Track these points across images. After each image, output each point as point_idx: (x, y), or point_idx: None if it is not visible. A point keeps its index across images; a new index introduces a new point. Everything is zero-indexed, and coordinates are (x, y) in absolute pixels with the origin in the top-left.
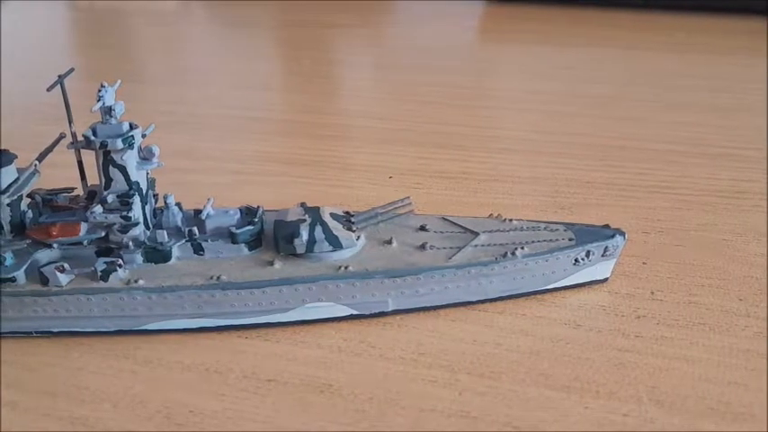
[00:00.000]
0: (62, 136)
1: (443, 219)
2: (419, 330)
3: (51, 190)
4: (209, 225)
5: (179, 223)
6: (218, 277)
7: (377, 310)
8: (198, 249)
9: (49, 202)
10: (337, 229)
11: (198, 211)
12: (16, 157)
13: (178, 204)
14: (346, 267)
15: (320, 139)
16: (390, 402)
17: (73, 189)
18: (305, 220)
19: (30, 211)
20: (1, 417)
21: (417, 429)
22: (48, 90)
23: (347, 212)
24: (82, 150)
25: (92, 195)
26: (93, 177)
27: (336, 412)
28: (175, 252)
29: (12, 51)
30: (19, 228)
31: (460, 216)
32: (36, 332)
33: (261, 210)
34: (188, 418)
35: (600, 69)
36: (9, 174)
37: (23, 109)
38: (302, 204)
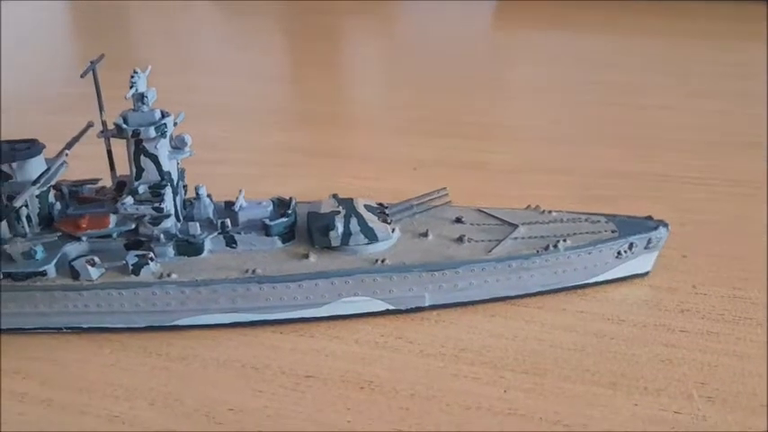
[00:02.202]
0: (90, 125)
1: (479, 210)
2: (458, 326)
3: (76, 181)
4: (242, 217)
5: (210, 215)
6: (254, 271)
7: (413, 305)
8: (230, 242)
9: (74, 194)
10: (372, 221)
11: (229, 203)
12: (45, 147)
13: (209, 196)
14: (383, 261)
15: (340, 129)
16: (434, 400)
17: (98, 180)
18: (339, 212)
19: (57, 202)
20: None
21: (464, 428)
22: (81, 77)
23: (381, 204)
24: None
25: (120, 186)
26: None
27: (379, 410)
28: (207, 245)
29: (14, 42)
30: (47, 220)
31: (496, 207)
32: (66, 328)
33: (294, 201)
34: (227, 417)
35: (619, 56)
36: (38, 164)
37: (29, 99)
38: (334, 196)
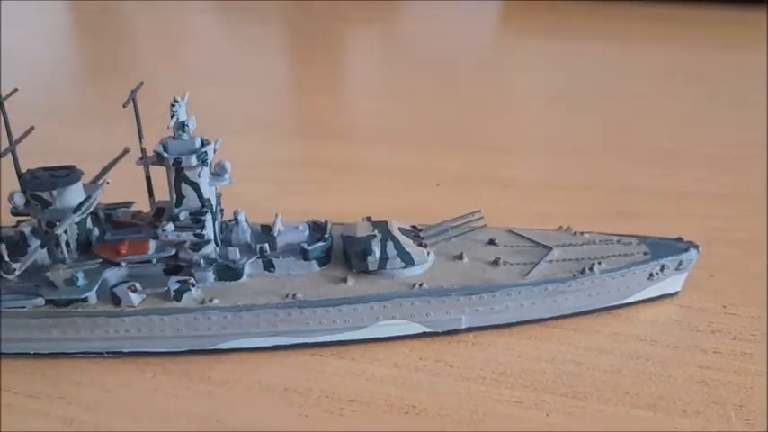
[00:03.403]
0: (126, 151)
1: (511, 232)
2: (495, 348)
3: (110, 204)
4: (281, 242)
5: (248, 240)
6: (294, 295)
7: (450, 328)
8: (269, 266)
9: (108, 218)
10: (408, 245)
11: (265, 227)
12: (83, 173)
13: (245, 220)
14: (420, 285)
15: (355, 142)
16: (478, 424)
17: (132, 203)
18: (375, 236)
19: (95, 228)
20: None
21: None
22: (123, 107)
23: (415, 227)
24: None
25: (159, 212)
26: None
27: None
28: (246, 269)
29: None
30: (85, 245)
31: (526, 228)
32: (107, 352)
33: (330, 225)
34: None
35: (634, 64)
36: (77, 190)
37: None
38: (368, 219)
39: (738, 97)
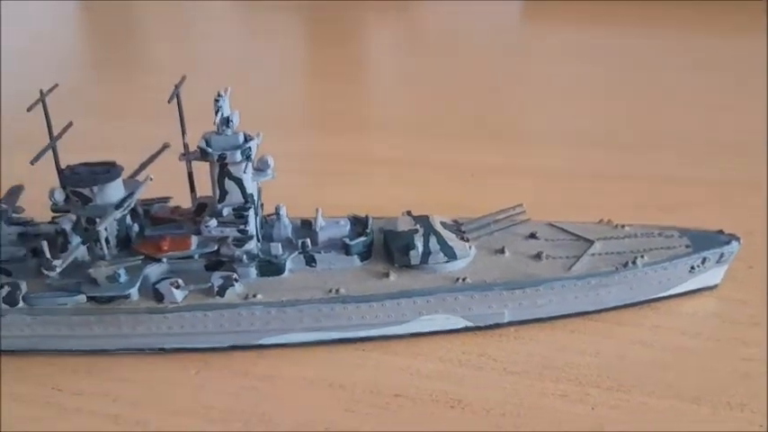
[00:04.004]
0: (166, 146)
1: (551, 225)
2: (538, 342)
3: (147, 200)
4: (322, 236)
5: (290, 235)
6: (337, 290)
7: (492, 322)
8: (310, 261)
9: (146, 213)
10: (451, 239)
11: (305, 221)
12: (123, 169)
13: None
14: (464, 279)
15: (386, 133)
16: (525, 418)
17: (169, 198)
18: (417, 231)
19: (135, 224)
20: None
21: None
22: (168, 102)
23: (455, 221)
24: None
25: (201, 208)
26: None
27: (473, 429)
28: (288, 264)
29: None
30: (124, 242)
31: (566, 221)
32: (149, 349)
33: (371, 220)
34: None
35: (661, 53)
36: (117, 187)
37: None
38: (408, 213)
39: None
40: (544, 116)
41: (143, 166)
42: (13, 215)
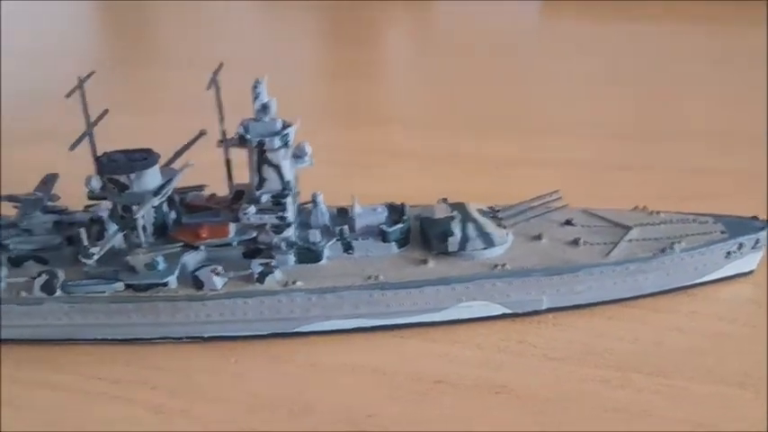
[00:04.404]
0: (202, 133)
1: (587, 212)
2: (577, 329)
3: (181, 188)
4: (359, 224)
5: (327, 222)
6: (376, 277)
7: (530, 309)
8: (348, 248)
9: (182, 202)
10: (488, 226)
11: (341, 209)
12: (160, 156)
13: None
14: (503, 266)
15: (408, 127)
16: (570, 403)
17: (203, 187)
18: (454, 218)
19: (172, 212)
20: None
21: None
22: (207, 89)
23: (492, 208)
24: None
25: (238, 195)
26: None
27: (519, 415)
28: (326, 252)
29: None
30: (161, 229)
31: (601, 208)
32: (187, 337)
33: (407, 207)
34: (369, 423)
35: (681, 47)
36: (154, 174)
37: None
38: (444, 200)
39: None
40: (565, 109)
41: (178, 154)
42: (49, 203)
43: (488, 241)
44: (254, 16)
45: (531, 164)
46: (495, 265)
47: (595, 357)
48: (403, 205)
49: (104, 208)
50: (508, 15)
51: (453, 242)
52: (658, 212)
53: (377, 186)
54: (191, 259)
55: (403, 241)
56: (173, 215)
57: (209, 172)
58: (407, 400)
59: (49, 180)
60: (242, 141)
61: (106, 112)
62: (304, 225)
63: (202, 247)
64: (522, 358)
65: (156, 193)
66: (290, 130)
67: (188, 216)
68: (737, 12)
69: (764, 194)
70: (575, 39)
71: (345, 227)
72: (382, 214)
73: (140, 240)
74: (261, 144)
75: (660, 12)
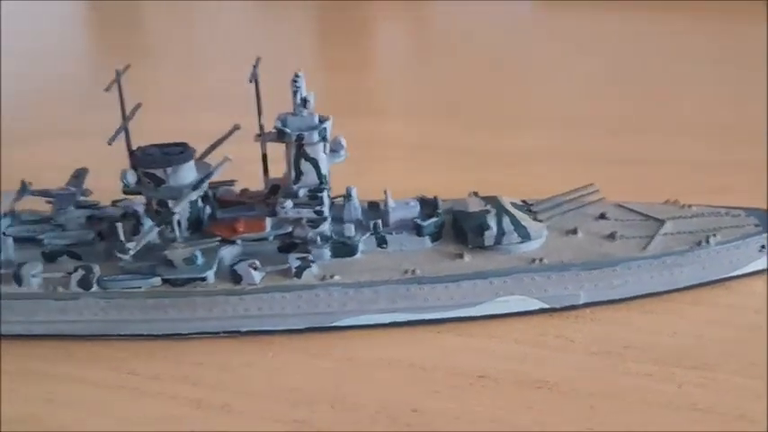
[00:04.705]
0: (237, 128)
1: (619, 205)
2: (614, 323)
3: (211, 183)
4: (393, 217)
5: (360, 216)
6: (413, 271)
7: (567, 304)
8: (381, 242)
9: (214, 196)
10: (524, 219)
11: (372, 203)
12: (195, 150)
13: None
14: (541, 260)
15: (430, 120)
16: (614, 398)
17: (234, 181)
18: (489, 211)
19: (207, 206)
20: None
21: (654, 426)
22: (250, 81)
23: (525, 201)
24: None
25: (274, 189)
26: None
27: (563, 410)
28: (360, 246)
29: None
30: (195, 224)
31: (632, 202)
32: (224, 332)
33: (440, 201)
34: (413, 419)
35: (683, 42)
36: (189, 168)
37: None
38: (475, 193)
39: None
40: (570, 102)
41: (212, 148)
42: (81, 198)
43: (524, 235)
44: (249, 15)
45: (547, 157)
46: (533, 260)
47: (635, 352)
48: (435, 199)
49: (138, 203)
50: (502, 14)
51: (489, 236)
52: (690, 206)
53: (388, 179)
54: (227, 254)
55: (437, 235)
56: (207, 210)
57: (238, 166)
58: (450, 396)
59: (80, 174)
60: (281, 136)
61: (139, 105)
62: (336, 219)
63: (238, 242)
64: (562, 353)
65: (195, 187)
66: (328, 124)
67: (222, 210)
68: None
69: None
70: (573, 35)
71: (379, 221)
72: (415, 208)
73: (175, 235)
74: (300, 138)
75: (660, 6)
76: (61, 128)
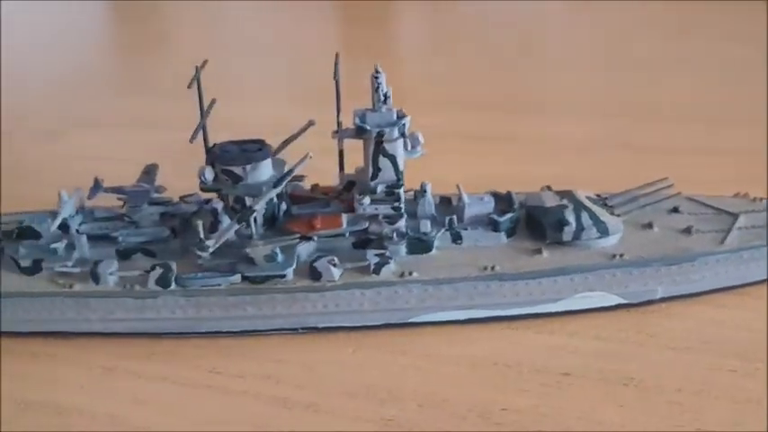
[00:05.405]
0: (311, 123)
1: (690, 199)
2: (691, 318)
3: None
4: (468, 213)
5: (434, 212)
6: (493, 267)
7: (645, 299)
8: (456, 238)
9: (286, 193)
10: (603, 214)
11: (443, 198)
12: (272, 147)
13: None
14: (621, 255)
15: (476, 110)
16: (701, 394)
17: (303, 178)
18: (567, 206)
19: (283, 203)
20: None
21: (744, 423)
22: (334, 79)
23: (599, 195)
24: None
25: (349, 185)
26: None
27: (652, 407)
28: (435, 242)
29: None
30: (270, 221)
31: (702, 195)
32: (302, 328)
33: (515, 196)
34: (504, 417)
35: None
36: (267, 166)
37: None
38: (548, 187)
39: None
40: (632, 91)
41: (286, 143)
42: (155, 195)
43: (603, 230)
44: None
45: (603, 147)
46: (613, 255)
47: (716, 346)
48: (509, 194)
49: (217, 200)
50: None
51: (569, 231)
52: (761, 199)
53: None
54: (303, 250)
55: (511, 231)
56: (283, 206)
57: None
58: (538, 394)
59: (150, 171)
60: (360, 132)
61: (214, 101)
62: (410, 215)
63: (315, 238)
64: (644, 348)
65: (276, 184)
66: (407, 120)
67: (296, 207)
68: None
69: None
70: (597, 23)
71: (454, 216)
72: (489, 203)
73: (251, 232)
74: (380, 135)
75: None
76: (86, 120)
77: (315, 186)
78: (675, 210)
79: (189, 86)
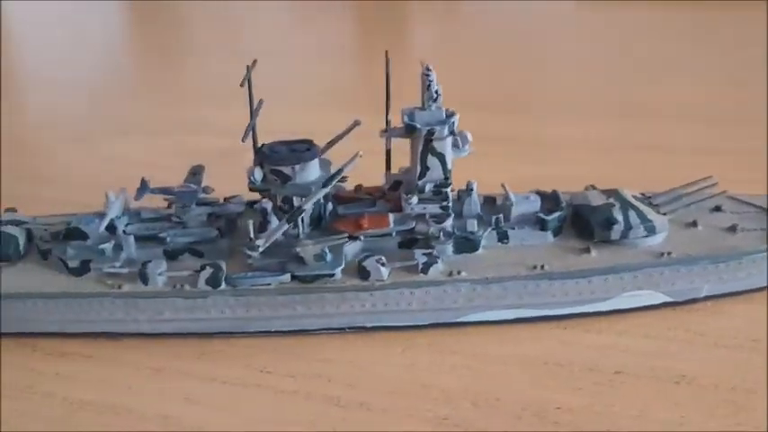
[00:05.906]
0: (357, 123)
1: (731, 198)
2: (738, 316)
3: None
4: (515, 212)
5: (479, 211)
6: (542, 266)
7: (690, 297)
8: (503, 237)
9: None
10: (650, 213)
11: (488, 197)
12: (320, 147)
13: None
14: (669, 254)
15: (498, 112)
16: (755, 393)
17: (346, 178)
18: (614, 205)
19: (329, 203)
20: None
21: None
22: (386, 78)
23: (643, 194)
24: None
25: (396, 185)
26: None
27: (707, 405)
28: (482, 241)
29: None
30: (317, 220)
31: (744, 194)
32: (349, 328)
33: (561, 194)
34: (559, 416)
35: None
36: (315, 166)
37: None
38: (593, 186)
39: None
40: (642, 91)
41: (332, 143)
42: (202, 195)
43: (650, 229)
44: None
45: (622, 147)
46: (661, 254)
47: (765, 345)
48: (556, 192)
49: (266, 201)
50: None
51: (617, 230)
52: None
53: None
54: (349, 250)
55: (558, 229)
56: (329, 206)
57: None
58: (591, 393)
59: (197, 171)
60: (409, 130)
61: (261, 102)
62: (456, 214)
63: (361, 238)
64: (693, 346)
65: (326, 184)
66: (456, 119)
67: (342, 207)
68: None
69: None
70: (627, 26)
71: (500, 215)
72: (536, 202)
73: (299, 231)
74: (430, 133)
75: None
76: (113, 124)
77: (358, 187)
78: (718, 208)
79: (241, 85)
